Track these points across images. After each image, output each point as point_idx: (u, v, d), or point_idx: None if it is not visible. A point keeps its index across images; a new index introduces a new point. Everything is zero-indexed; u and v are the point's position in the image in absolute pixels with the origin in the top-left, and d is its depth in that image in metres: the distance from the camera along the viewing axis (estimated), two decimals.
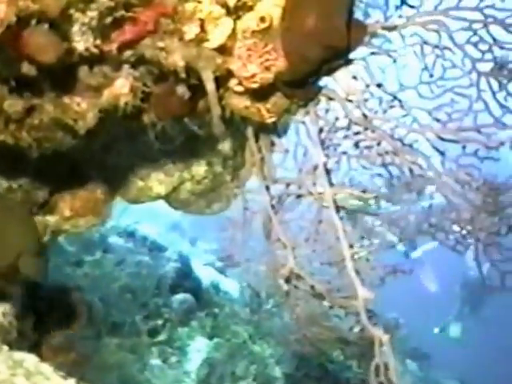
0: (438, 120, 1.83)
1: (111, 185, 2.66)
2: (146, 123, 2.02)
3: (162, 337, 4.61)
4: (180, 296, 5.34)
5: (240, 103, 1.85)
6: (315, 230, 2.09)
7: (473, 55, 1.78)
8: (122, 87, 1.56)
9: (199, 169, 2.69)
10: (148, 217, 7.23)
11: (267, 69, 1.58)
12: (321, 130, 1.90)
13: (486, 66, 1.79)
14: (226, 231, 2.31)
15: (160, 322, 4.76)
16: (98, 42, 1.31)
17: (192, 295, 5.49)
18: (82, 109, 1.58)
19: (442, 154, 1.80)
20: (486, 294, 8.57)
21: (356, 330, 1.98)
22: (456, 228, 1.95)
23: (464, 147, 1.85)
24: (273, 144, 2.11)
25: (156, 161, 2.62)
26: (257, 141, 2.11)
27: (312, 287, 1.98)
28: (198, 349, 4.66)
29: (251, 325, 5.27)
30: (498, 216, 1.69)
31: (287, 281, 2.07)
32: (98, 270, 4.86)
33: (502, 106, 1.78)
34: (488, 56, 1.80)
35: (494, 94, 1.77)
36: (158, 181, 2.69)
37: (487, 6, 1.80)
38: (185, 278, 5.75)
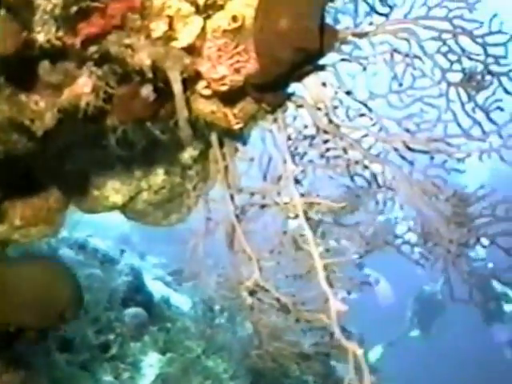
0: (407, 130, 1.81)
1: (65, 193, 2.55)
2: (106, 127, 1.94)
3: (113, 352, 4.45)
4: (132, 310, 5.18)
5: (206, 108, 1.78)
6: (280, 241, 2.04)
7: (442, 65, 1.77)
8: (83, 86, 1.47)
9: (157, 178, 2.60)
10: (98, 229, 7.07)
11: (237, 71, 1.52)
12: (288, 138, 1.85)
13: (455, 77, 1.78)
14: (186, 242, 2.23)
15: (112, 336, 4.60)
16: (61, 33, 1.22)
17: (144, 309, 5.34)
18: (40, 108, 1.49)
19: (410, 163, 1.78)
20: (438, 312, 8.70)
21: (324, 341, 1.93)
22: (422, 241, 1.93)
23: (432, 158, 1.84)
24: (237, 152, 2.05)
25: (113, 169, 2.52)
26: (221, 148, 2.04)
27: (277, 300, 1.92)
28: (151, 364, 4.52)
29: (204, 340, 5.16)
30: (467, 227, 1.67)
31: (251, 293, 2.00)
32: None
33: (470, 117, 1.77)
34: (457, 66, 1.79)
35: (462, 104, 1.76)
36: (114, 190, 2.58)
37: (456, 17, 1.79)
38: (137, 292, 5.60)
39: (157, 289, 6.22)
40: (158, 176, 2.60)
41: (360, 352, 1.38)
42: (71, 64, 1.41)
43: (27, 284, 1.91)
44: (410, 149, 1.81)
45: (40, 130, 1.52)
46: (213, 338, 5.20)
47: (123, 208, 2.69)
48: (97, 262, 5.77)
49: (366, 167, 1.85)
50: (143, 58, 1.43)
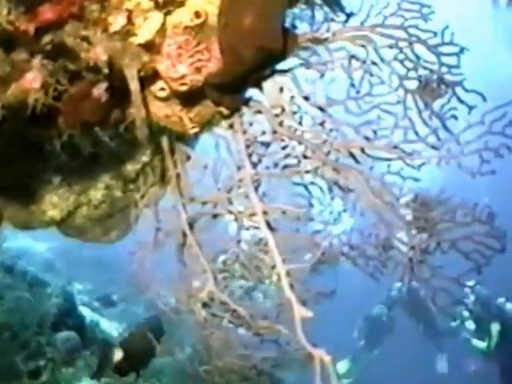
0: (365, 137, 1.80)
1: None
2: (50, 131, 1.82)
3: (44, 379, 4.20)
4: (63, 334, 4.95)
5: (160, 111, 1.70)
6: (233, 251, 1.97)
7: (400, 72, 1.77)
8: (32, 81, 1.36)
9: (96, 193, 2.48)
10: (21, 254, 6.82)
11: (198, 70, 1.46)
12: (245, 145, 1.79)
13: (412, 84, 1.79)
14: (134, 254, 2.12)
15: (42, 362, 4.35)
16: (13, 17, 1.12)
17: (76, 333, 5.12)
18: None
19: (370, 168, 1.76)
20: (385, 333, 8.77)
21: (281, 353, 1.86)
22: (378, 253, 1.91)
23: (389, 166, 1.83)
24: (190, 159, 1.97)
25: (51, 182, 2.39)
26: (172, 155, 1.96)
27: (233, 312, 1.84)
28: None
29: None
30: (429, 232, 1.66)
31: (204, 306, 1.92)
32: None
33: (426, 124, 1.77)
34: (413, 74, 1.79)
35: (419, 112, 1.77)
36: (51, 204, 2.45)
37: (411, 26, 1.81)
38: (68, 315, 5.36)
39: (87, 313, 6.01)
40: (98, 190, 2.48)
41: (327, 358, 1.32)
42: (20, 55, 1.30)
43: None
44: (367, 155, 1.79)
45: None
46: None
47: (61, 223, 2.55)
48: (25, 285, 5.50)
49: (323, 174, 1.82)
50: (99, 53, 1.34)
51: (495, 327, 6.89)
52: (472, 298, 6.94)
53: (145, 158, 2.33)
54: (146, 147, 2.01)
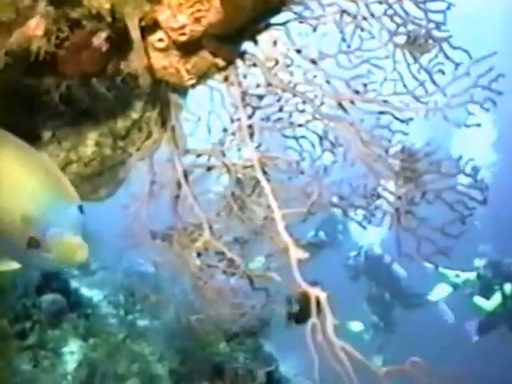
0: (355, 90, 1.86)
1: None
2: (47, 83, 1.85)
3: (31, 340, 4.26)
4: (49, 296, 4.97)
5: (157, 63, 1.74)
6: (227, 203, 2.03)
7: (389, 27, 1.83)
8: (35, 28, 1.39)
9: (86, 150, 2.51)
10: None
11: (198, 20, 1.50)
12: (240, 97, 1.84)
13: (401, 39, 1.85)
14: (127, 208, 2.17)
15: (28, 324, 4.40)
16: None
17: (61, 295, 5.15)
18: None
19: (361, 121, 1.83)
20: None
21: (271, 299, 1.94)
22: (366, 203, 1.99)
23: (378, 119, 1.90)
24: (184, 112, 2.02)
25: (40, 139, 2.41)
26: (168, 108, 2.01)
27: (228, 261, 1.91)
28: (72, 351, 4.37)
29: (125, 325, 5.06)
30: (415, 183, 1.74)
31: (199, 255, 1.98)
32: None
33: (415, 78, 1.84)
34: (402, 30, 1.85)
35: (408, 65, 1.83)
36: None
37: None
38: (53, 279, 5.39)
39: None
40: (88, 148, 2.50)
41: (323, 296, 1.40)
42: (24, 1, 1.33)
43: None
44: (358, 109, 1.85)
45: None
46: (134, 324, 5.11)
47: None
48: None
49: (315, 127, 1.88)
50: (102, 1, 1.38)
51: (508, 287, 6.85)
52: (483, 262, 6.99)
53: (135, 115, 2.36)
54: (142, 98, 2.04)
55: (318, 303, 1.42)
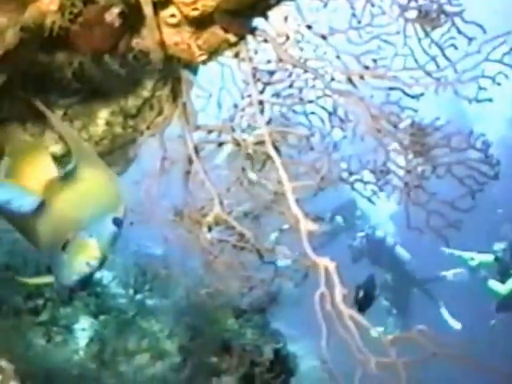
0: (365, 66, 1.86)
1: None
2: (60, 60, 1.87)
3: (43, 317, 4.32)
4: None
5: (169, 39, 1.76)
6: (237, 177, 2.06)
7: (400, 2, 1.83)
8: (50, 3, 1.41)
9: (97, 129, 2.53)
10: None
11: None
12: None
13: (412, 14, 1.85)
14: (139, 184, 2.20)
15: (41, 301, 4.46)
16: None
17: None
18: (1, 24, 1.41)
19: (370, 97, 1.84)
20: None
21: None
22: (375, 178, 2.00)
23: (388, 95, 1.90)
24: (194, 88, 2.03)
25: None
26: (179, 84, 2.02)
27: (239, 236, 1.94)
28: (84, 327, 4.44)
29: (134, 304, 5.12)
30: (425, 157, 1.75)
31: (210, 230, 2.01)
32: None
33: (426, 53, 1.84)
34: (413, 4, 1.85)
35: (419, 40, 1.83)
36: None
37: None
38: None
39: None
40: (99, 127, 2.52)
41: (332, 266, 1.43)
42: None
43: None
44: (367, 84, 1.86)
45: (0, 50, 1.45)
46: (143, 303, 5.17)
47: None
48: None
49: (325, 103, 1.89)
50: None
51: None
52: (502, 245, 6.94)
53: (146, 94, 2.38)
54: (153, 76, 2.06)
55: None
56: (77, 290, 5.09)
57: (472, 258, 7.15)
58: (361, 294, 3.39)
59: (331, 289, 1.44)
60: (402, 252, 8.36)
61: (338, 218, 8.03)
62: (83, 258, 2.02)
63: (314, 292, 1.48)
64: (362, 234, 8.23)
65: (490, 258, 7.05)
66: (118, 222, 2.10)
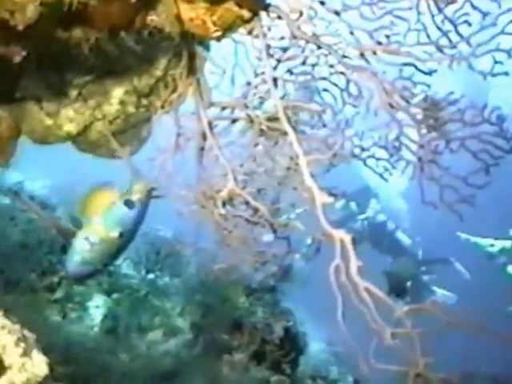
0: (378, 42, 1.87)
1: (16, 120, 2.47)
2: (77, 37, 1.89)
3: (58, 294, 4.40)
4: None
5: (185, 14, 1.77)
6: (250, 154, 2.08)
7: None
8: None
9: (111, 108, 2.56)
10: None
11: None
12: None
13: None
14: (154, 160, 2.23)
15: (56, 279, 4.54)
16: None
17: None
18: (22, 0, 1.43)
19: (383, 73, 1.85)
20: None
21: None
22: (388, 154, 2.02)
23: (401, 70, 1.91)
24: (208, 64, 2.05)
25: (67, 96, 2.46)
26: (192, 60, 2.04)
27: (253, 210, 1.97)
28: (98, 305, 4.51)
29: (146, 283, 5.19)
30: (438, 131, 1.77)
31: (224, 205, 2.04)
32: None
33: (439, 28, 1.85)
34: None
35: (432, 16, 1.84)
36: (68, 118, 2.52)
37: None
38: None
39: None
40: (113, 106, 2.55)
41: (347, 238, 1.45)
42: None
43: None
44: (380, 60, 1.87)
45: (21, 24, 1.47)
46: (155, 283, 5.23)
47: (76, 138, 2.63)
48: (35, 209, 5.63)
49: (339, 78, 1.90)
50: None
51: None
52: None
53: (159, 73, 2.40)
54: (168, 52, 2.08)
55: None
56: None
57: (492, 245, 7.11)
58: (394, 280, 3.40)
59: (346, 261, 1.46)
60: (403, 237, 8.33)
61: (352, 205, 7.99)
62: (83, 235, 2.11)
63: (323, 271, 1.51)
64: (363, 216, 8.19)
65: (508, 243, 7.02)
66: (129, 204, 2.19)
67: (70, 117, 2.54)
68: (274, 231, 1.98)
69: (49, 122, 2.52)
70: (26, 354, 1.44)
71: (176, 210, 2.10)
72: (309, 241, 5.93)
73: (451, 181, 1.77)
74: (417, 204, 2.04)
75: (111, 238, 2.16)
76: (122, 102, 2.54)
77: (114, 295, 4.64)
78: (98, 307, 4.47)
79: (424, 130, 1.79)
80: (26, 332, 1.55)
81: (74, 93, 2.49)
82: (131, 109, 2.57)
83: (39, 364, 1.43)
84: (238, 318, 4.15)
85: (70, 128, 2.55)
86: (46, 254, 4.76)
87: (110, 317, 4.21)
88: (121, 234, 2.16)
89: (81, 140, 2.68)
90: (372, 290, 1.45)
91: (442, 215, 1.89)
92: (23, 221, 4.92)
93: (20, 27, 1.48)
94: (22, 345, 1.46)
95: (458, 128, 1.77)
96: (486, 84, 1.71)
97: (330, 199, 1.50)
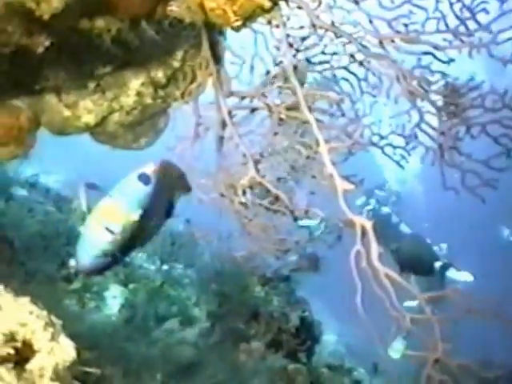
0: (397, 31, 1.88)
1: (35, 111, 2.50)
2: (98, 27, 1.91)
3: (76, 285, 4.45)
4: None
5: (206, 4, 1.79)
6: (269, 143, 2.10)
7: None
8: None
9: (128, 99, 2.58)
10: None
11: None
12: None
13: None
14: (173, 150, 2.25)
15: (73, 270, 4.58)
16: None
17: None
18: None
19: (402, 62, 1.86)
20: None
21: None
22: (404, 142, 2.03)
23: (419, 59, 1.92)
24: (229, 54, 2.07)
25: (86, 87, 2.48)
26: (213, 50, 2.06)
27: (274, 198, 1.99)
28: (115, 295, 4.56)
29: (161, 273, 5.23)
30: (459, 117, 1.77)
31: (244, 193, 2.06)
32: (3, 218, 4.59)
33: (457, 17, 1.85)
34: None
35: (451, 4, 1.84)
36: (86, 110, 2.55)
37: None
38: None
39: None
40: (130, 97, 2.57)
41: (368, 224, 1.47)
42: None
43: None
44: (397, 49, 1.88)
45: (46, 14, 1.50)
46: (170, 273, 5.28)
47: (94, 129, 2.66)
48: (51, 201, 5.70)
49: (361, 63, 1.92)
50: None
51: None
52: None
53: (176, 64, 2.42)
54: (187, 42, 2.10)
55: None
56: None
57: None
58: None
59: (367, 247, 1.48)
60: (407, 230, 8.30)
61: (372, 202, 7.97)
62: (101, 224, 1.73)
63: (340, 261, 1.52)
64: (368, 207, 8.16)
65: None
66: (144, 179, 1.82)
67: (89, 108, 2.56)
68: (295, 219, 2.00)
69: (67, 113, 2.54)
70: (53, 338, 1.47)
71: (193, 198, 2.12)
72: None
73: (473, 166, 1.78)
74: (432, 187, 2.05)
75: (131, 222, 1.82)
76: (138, 94, 2.56)
77: (131, 285, 4.69)
78: (115, 297, 4.53)
79: (444, 117, 1.80)
80: (52, 317, 1.58)
81: (92, 84, 2.51)
82: (148, 100, 2.59)
83: (67, 348, 1.45)
84: (254, 307, 4.18)
85: (89, 119, 2.58)
86: (63, 245, 4.81)
87: (128, 306, 4.26)
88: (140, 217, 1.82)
89: (98, 131, 2.71)
90: (392, 275, 1.47)
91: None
92: (40, 212, 4.98)
93: (45, 17, 1.50)
94: (50, 329, 1.48)
95: (479, 114, 1.78)
96: (507, 70, 1.71)
97: (351, 186, 1.51)
